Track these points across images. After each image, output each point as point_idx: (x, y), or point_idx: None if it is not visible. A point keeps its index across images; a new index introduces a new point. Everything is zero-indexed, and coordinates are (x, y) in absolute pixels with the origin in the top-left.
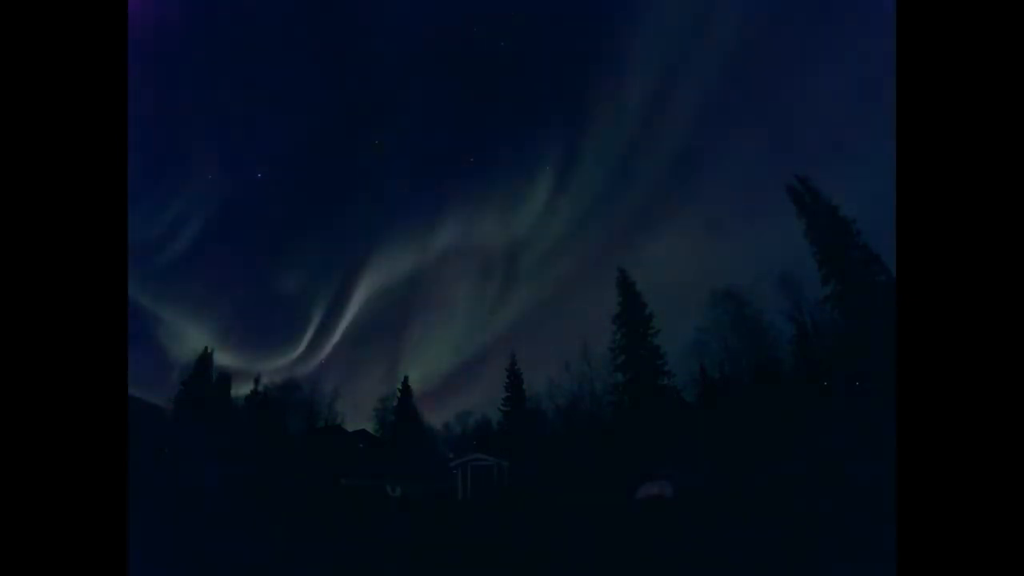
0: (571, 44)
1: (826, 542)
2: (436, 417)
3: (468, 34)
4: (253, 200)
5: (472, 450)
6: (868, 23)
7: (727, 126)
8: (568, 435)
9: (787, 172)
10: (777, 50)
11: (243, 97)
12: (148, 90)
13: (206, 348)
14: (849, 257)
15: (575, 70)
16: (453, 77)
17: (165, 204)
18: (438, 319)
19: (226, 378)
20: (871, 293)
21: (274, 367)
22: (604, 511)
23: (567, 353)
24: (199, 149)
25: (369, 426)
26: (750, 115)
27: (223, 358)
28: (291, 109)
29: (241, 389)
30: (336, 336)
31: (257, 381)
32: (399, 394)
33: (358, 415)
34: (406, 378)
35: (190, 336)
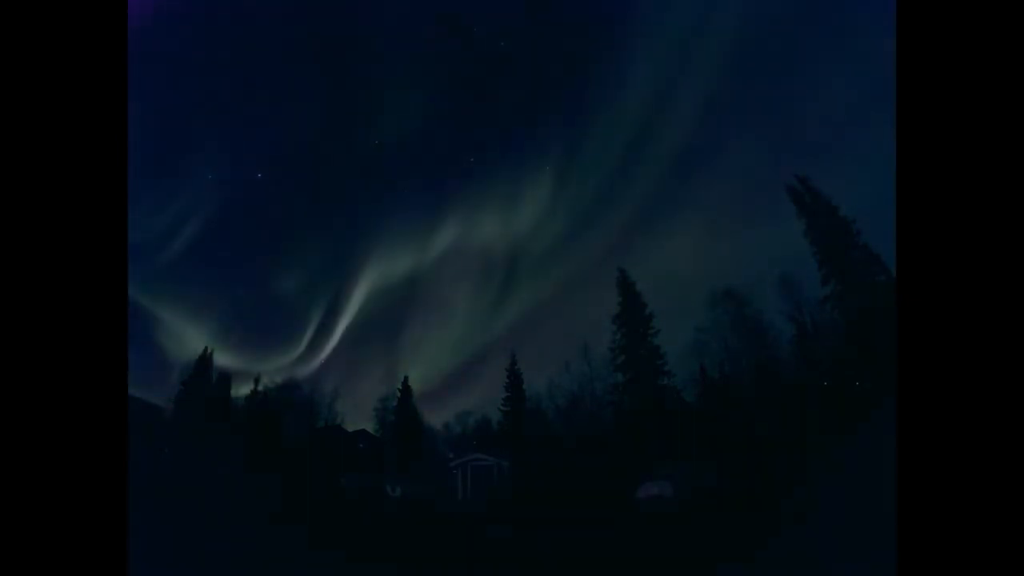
0: (571, 44)
1: (826, 542)
2: (436, 417)
3: (468, 34)
4: (253, 200)
5: (472, 450)
6: (868, 23)
7: (727, 126)
8: (568, 435)
9: (787, 172)
10: (777, 50)
11: (243, 97)
12: (148, 90)
13: (206, 348)
14: (849, 257)
15: (575, 70)
16: (453, 77)
17: (165, 204)
18: (438, 319)
19: (226, 378)
20: (871, 293)
21: (274, 367)
22: (604, 511)
23: (567, 353)
24: (199, 149)
25: (369, 426)
26: (750, 115)
27: (223, 358)
28: (291, 109)
29: (241, 389)
30: (336, 336)
31: (257, 381)
32: (399, 394)
33: (358, 415)
34: (406, 378)
35: (190, 336)
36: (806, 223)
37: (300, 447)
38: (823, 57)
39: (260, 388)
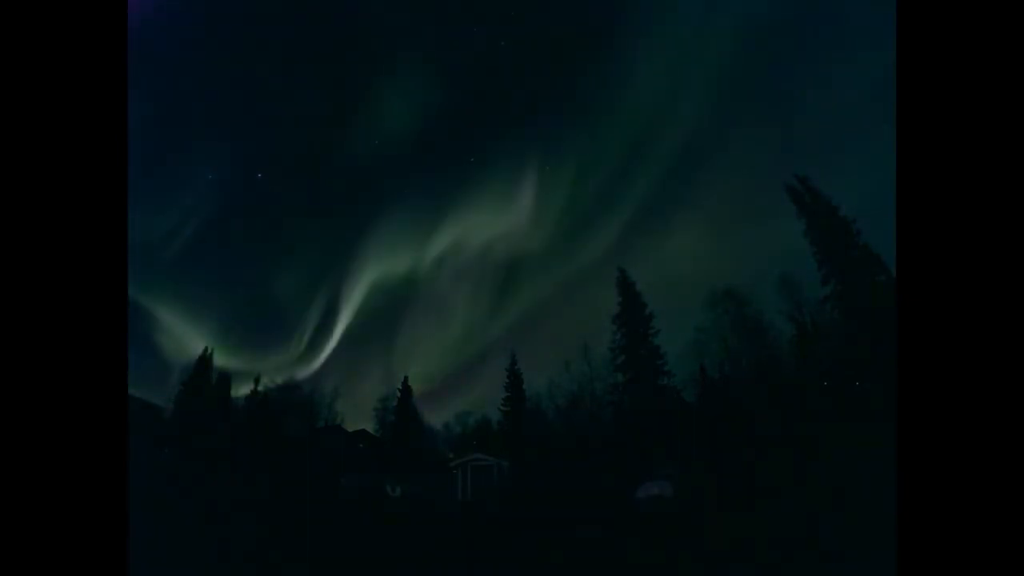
0: (571, 44)
1: (826, 542)
2: (436, 417)
3: (468, 34)
4: (253, 200)
5: (472, 450)
6: (868, 23)
7: (727, 126)
8: (568, 435)
9: (787, 172)
10: (777, 51)
11: (243, 97)
12: (148, 90)
13: (206, 348)
14: (849, 257)
15: (575, 70)
16: (453, 76)
17: (165, 204)
18: (438, 319)
19: (226, 378)
20: (871, 293)
21: (274, 367)
22: (604, 511)
23: (567, 353)
24: (199, 149)
25: (369, 426)
26: (750, 115)
27: (223, 358)
28: (291, 109)
29: (241, 389)
30: (336, 336)
31: (257, 381)
32: (399, 394)
33: (358, 415)
34: (406, 378)
35: (190, 336)
36: (806, 223)
37: (300, 447)
38: (823, 57)
39: (260, 388)
